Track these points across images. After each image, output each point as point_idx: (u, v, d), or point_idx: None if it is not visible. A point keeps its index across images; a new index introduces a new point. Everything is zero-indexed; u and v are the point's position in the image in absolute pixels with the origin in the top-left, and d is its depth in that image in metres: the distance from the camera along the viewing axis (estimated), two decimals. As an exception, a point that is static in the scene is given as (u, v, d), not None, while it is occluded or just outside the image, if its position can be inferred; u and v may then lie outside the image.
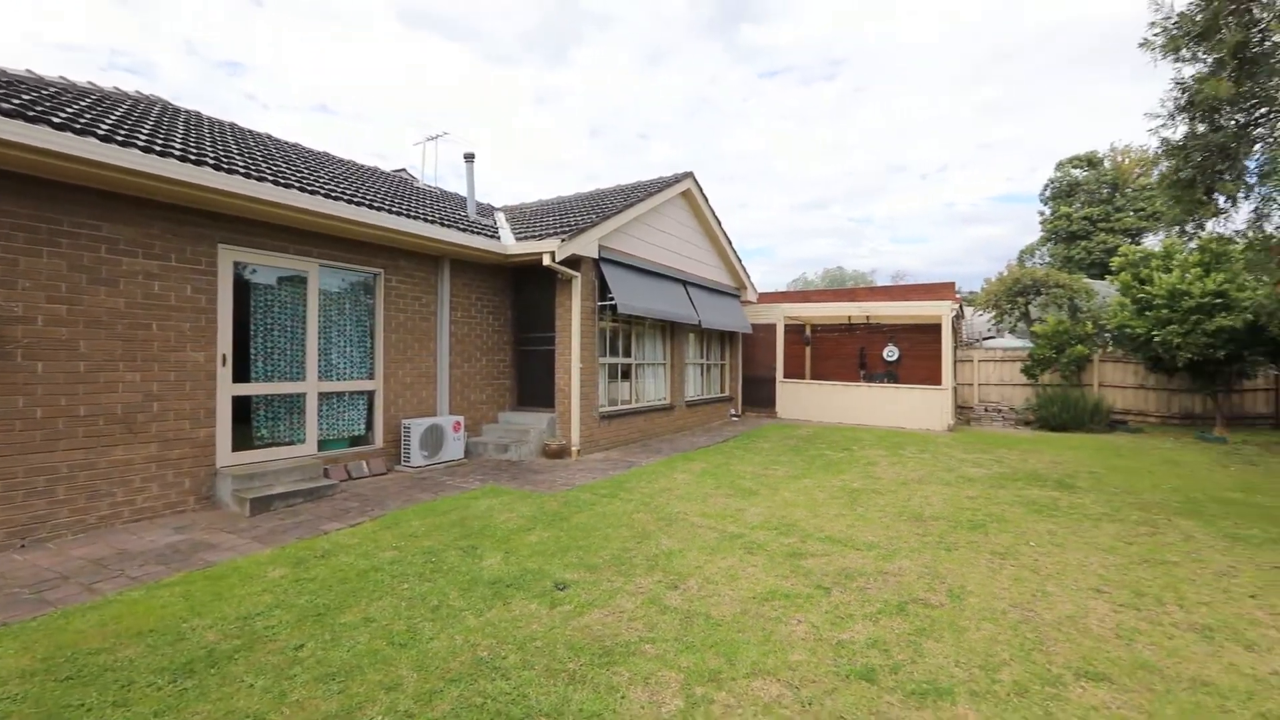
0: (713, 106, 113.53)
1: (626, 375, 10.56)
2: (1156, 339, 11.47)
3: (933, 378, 14.44)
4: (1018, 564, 4.67)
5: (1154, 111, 5.39)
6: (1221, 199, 5.40)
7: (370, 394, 7.65)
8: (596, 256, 9.06)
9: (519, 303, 9.77)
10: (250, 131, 8.96)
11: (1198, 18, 4.91)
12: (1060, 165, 33.47)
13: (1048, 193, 33.80)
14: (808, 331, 16.62)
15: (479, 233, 8.65)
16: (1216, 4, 4.87)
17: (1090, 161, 32.60)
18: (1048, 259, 33.97)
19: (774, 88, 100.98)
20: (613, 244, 9.53)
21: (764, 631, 3.49)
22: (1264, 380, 13.04)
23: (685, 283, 11.84)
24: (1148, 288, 11.82)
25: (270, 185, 5.90)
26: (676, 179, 11.37)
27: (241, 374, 6.29)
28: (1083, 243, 31.24)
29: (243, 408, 6.33)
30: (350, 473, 7.09)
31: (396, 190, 9.38)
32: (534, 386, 9.60)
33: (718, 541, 5.10)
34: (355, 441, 7.48)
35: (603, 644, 3.29)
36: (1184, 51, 5.07)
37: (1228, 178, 5.21)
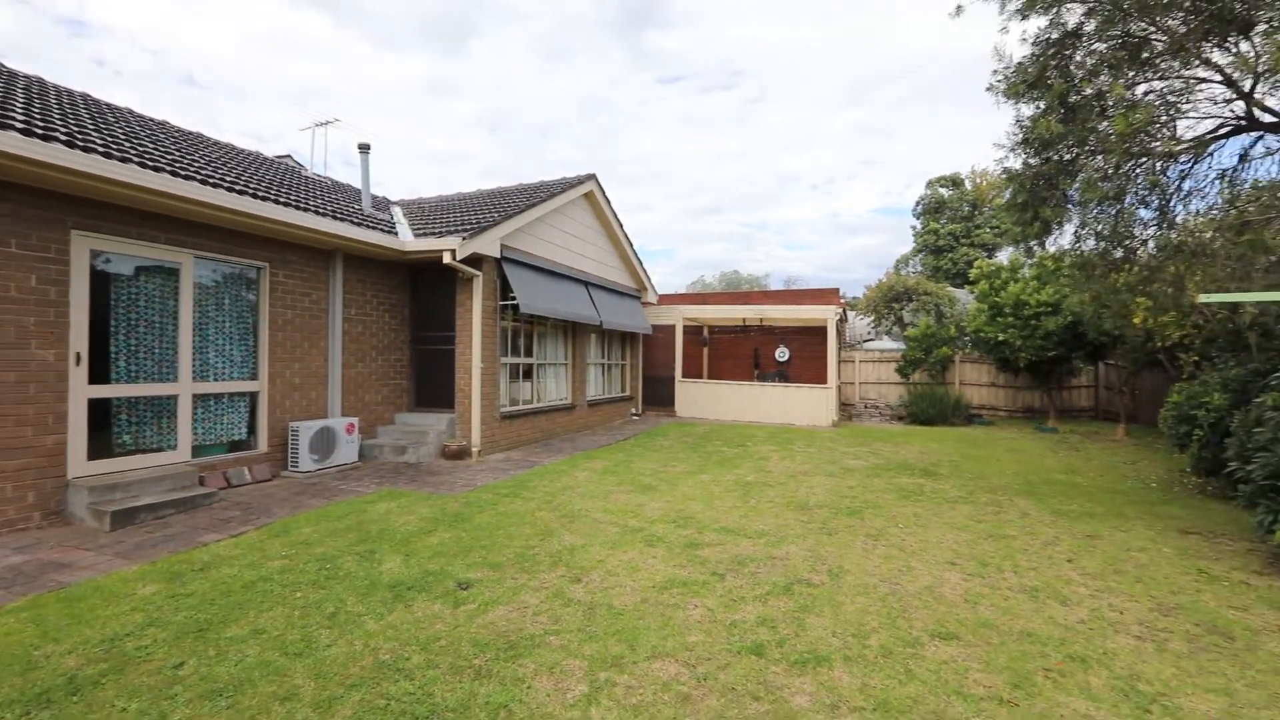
0: (613, 108, 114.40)
1: (528, 375, 10.53)
2: (1004, 341, 13.01)
3: (819, 377, 15.49)
4: (888, 544, 5.20)
5: (1000, 143, 6.19)
6: (1051, 222, 6.28)
7: (253, 395, 7.16)
8: (499, 256, 8.98)
9: (417, 300, 9.49)
10: (109, 105, 8.08)
11: (1030, 69, 5.71)
12: (930, 184, 36.83)
13: (919, 208, 37.06)
14: (705, 333, 17.27)
15: (375, 227, 8.32)
16: (1044, 59, 5.68)
17: (954, 182, 36.10)
18: (920, 268, 37.22)
19: (674, 93, 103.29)
20: (515, 243, 9.48)
21: (663, 617, 3.69)
22: (1086, 379, 15.12)
23: (587, 283, 11.97)
24: (998, 297, 13.37)
25: (136, 168, 5.40)
26: (579, 180, 11.48)
27: (101, 375, 5.71)
28: (949, 255, 34.54)
29: (101, 412, 5.74)
30: (230, 480, 6.61)
31: (283, 179, 8.82)
32: (433, 387, 9.36)
33: (619, 536, 5.27)
34: (236, 446, 6.97)
35: (508, 639, 3.36)
36: (1021, 96, 5.86)
37: (1054, 204, 6.07)
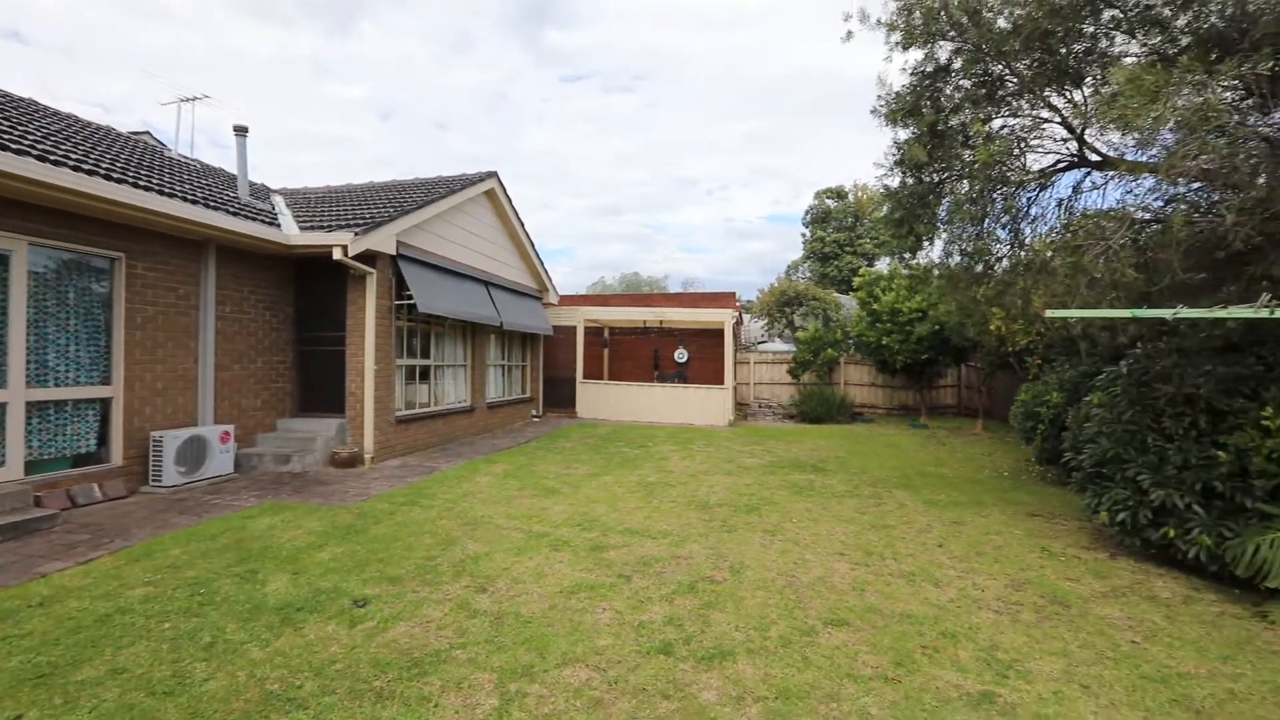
0: (514, 104, 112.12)
1: (425, 377, 10.12)
2: (883, 345, 14.14)
3: (717, 378, 16.05)
4: (784, 539, 5.50)
5: (880, 162, 6.74)
6: (923, 238, 6.92)
7: (105, 402, 6.36)
8: (394, 253, 8.56)
9: (303, 298, 8.84)
10: (-89, 62, 6.87)
11: (907, 97, 6.26)
12: (817, 195, 39.18)
13: (808, 218, 39.33)
14: (606, 334, 17.38)
15: (254, 218, 7.67)
16: (919, 89, 6.24)
17: (839, 194, 38.65)
18: (808, 275, 39.49)
19: (576, 92, 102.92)
20: (412, 240, 9.08)
21: (572, 623, 3.70)
22: (950, 380, 16.74)
23: (487, 283, 11.68)
24: (876, 304, 14.49)
25: (-46, 140, 4.65)
26: (481, 177, 11.18)
27: (-97, 380, 4.86)
28: (834, 262, 36.91)
29: (-95, 423, 4.89)
30: (76, 499, 5.84)
31: (141, 158, 7.90)
32: (320, 390, 8.76)
33: (524, 541, 5.21)
34: (83, 460, 6.17)
35: (411, 656, 3.24)
36: (898, 122, 6.41)
37: (925, 221, 6.70)
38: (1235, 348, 5.16)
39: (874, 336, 14.47)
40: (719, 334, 16.57)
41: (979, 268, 6.21)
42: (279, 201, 10.12)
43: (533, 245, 13.52)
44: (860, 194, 38.86)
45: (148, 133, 11.32)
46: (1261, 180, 4.13)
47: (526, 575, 4.45)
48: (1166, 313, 3.41)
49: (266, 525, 5.38)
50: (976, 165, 5.33)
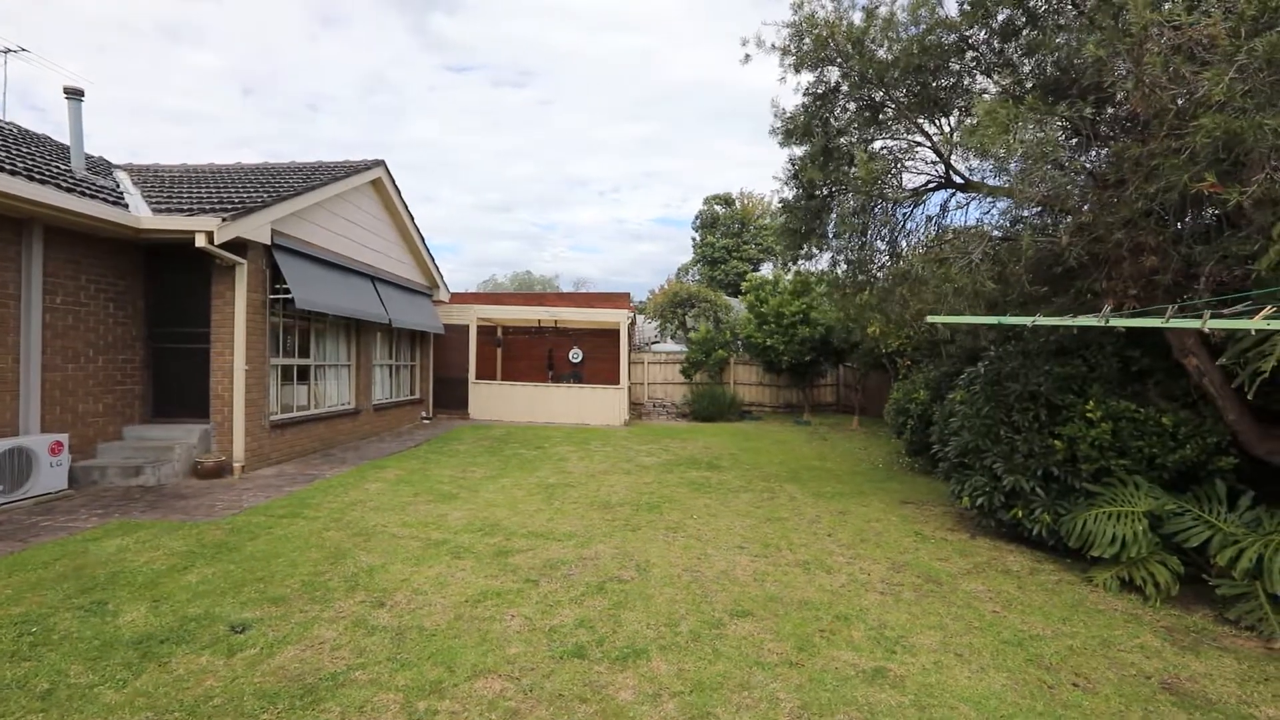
0: (393, 88, 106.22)
1: (304, 378, 9.35)
2: (769, 345, 14.91)
3: (612, 378, 16.15)
4: (686, 535, 5.64)
5: (777, 176, 7.10)
6: (814, 248, 7.37)
7: (-109, 409, 5.30)
8: (269, 243, 7.82)
9: (156, 290, 7.84)
10: None
11: (800, 118, 6.65)
12: (706, 201, 40.53)
13: (697, 222, 40.62)
14: (499, 333, 16.96)
15: (93, 195, 6.70)
16: (811, 110, 6.65)
17: (726, 201, 40.23)
18: (698, 277, 40.77)
19: (463, 82, 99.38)
20: (289, 230, 8.34)
21: (480, 633, 3.57)
22: (831, 379, 17.98)
23: (374, 278, 10.99)
24: (764, 307, 15.25)
25: None
26: (367, 165, 10.49)
27: None
28: (722, 266, 38.35)
29: None
30: None
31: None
32: (178, 392, 7.82)
33: (422, 550, 4.96)
34: None
35: (303, 682, 2.98)
36: (792, 141, 6.80)
37: (817, 234, 7.14)
38: (1066, 351, 5.95)
39: (761, 338, 15.21)
40: (614, 334, 16.69)
41: (861, 276, 6.71)
42: (124, 179, 8.91)
43: (423, 240, 12.89)
44: (746, 202, 40.73)
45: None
46: (1085, 207, 4.80)
47: (428, 586, 4.24)
48: (1026, 320, 3.87)
49: (115, 548, 4.72)
50: (860, 181, 5.76)
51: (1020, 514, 5.43)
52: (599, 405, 14.33)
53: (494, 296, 18.17)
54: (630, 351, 17.03)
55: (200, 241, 6.87)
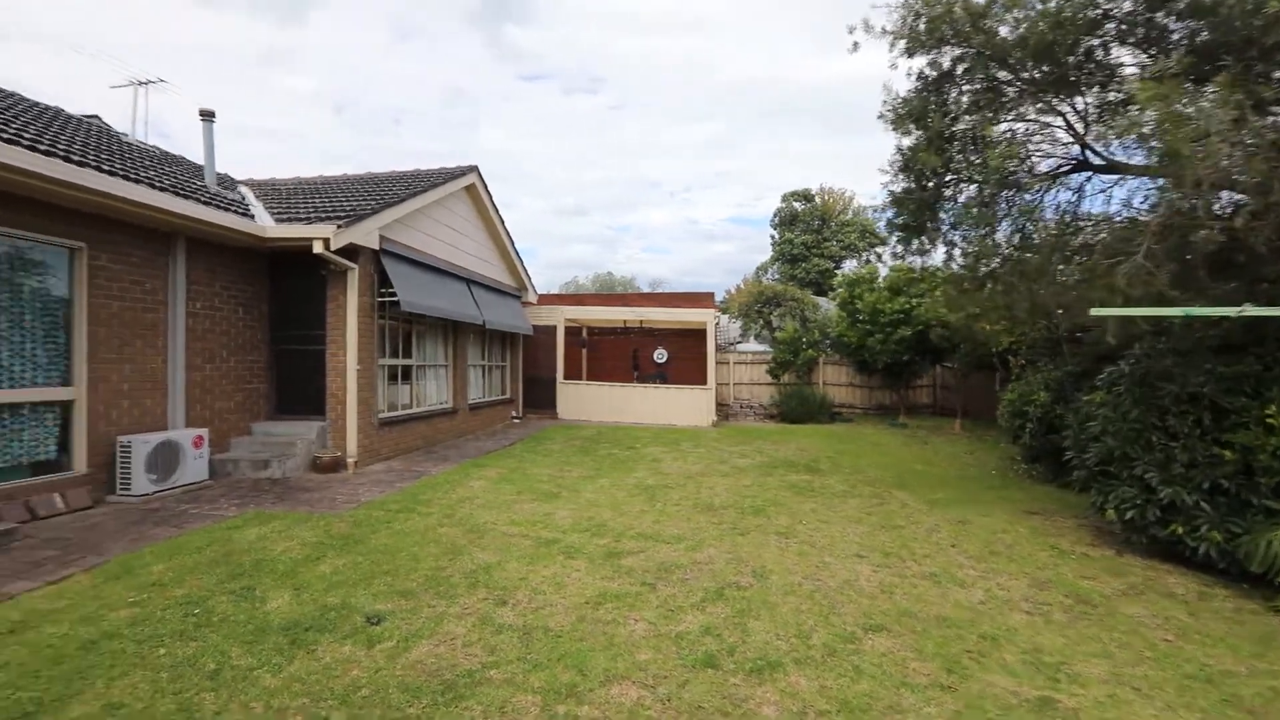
0: (470, 100, 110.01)
1: (406, 377, 9.73)
2: (864, 345, 14.29)
3: (697, 378, 15.98)
4: (799, 541, 5.40)
5: (884, 168, 6.72)
6: (926, 242, 6.93)
7: (66, 405, 5.86)
8: (377, 248, 8.18)
9: (278, 295, 8.37)
10: None
11: (914, 103, 6.25)
12: (784, 197, 39.62)
13: (776, 220, 39.76)
14: (585, 334, 17.13)
15: (227, 208, 7.20)
16: (924, 95, 6.25)
17: (806, 197, 39.16)
18: (777, 276, 39.92)
19: (537, 91, 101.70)
20: (394, 235, 8.70)
21: (606, 636, 3.51)
22: (928, 379, 17.05)
23: (469, 281, 11.33)
24: (857, 305, 14.64)
25: (-100, 114, 4.17)
26: (462, 171, 10.82)
27: None
28: (803, 264, 37.38)
29: None
30: (36, 511, 5.34)
31: (100, 142, 7.34)
32: (298, 391, 8.31)
33: (535, 549, 4.98)
34: (43, 468, 5.66)
35: (442, 678, 3.00)
36: (903, 128, 6.40)
37: (931, 226, 6.71)
38: (1233, 348, 5.28)
39: (855, 337, 14.61)
40: (699, 334, 16.51)
41: (986, 269, 6.23)
42: (247, 192, 9.58)
43: (512, 243, 13.19)
44: (826, 197, 39.52)
45: (97, 116, 10.60)
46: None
47: (545, 585, 4.23)
48: (1231, 311, 3.40)
49: (255, 536, 5.01)
50: (987, 168, 5.33)
51: (1180, 530, 4.86)
52: (686, 406, 14.19)
53: (579, 297, 18.39)
54: (715, 352, 16.79)
55: (318, 248, 7.24)
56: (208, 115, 8.46)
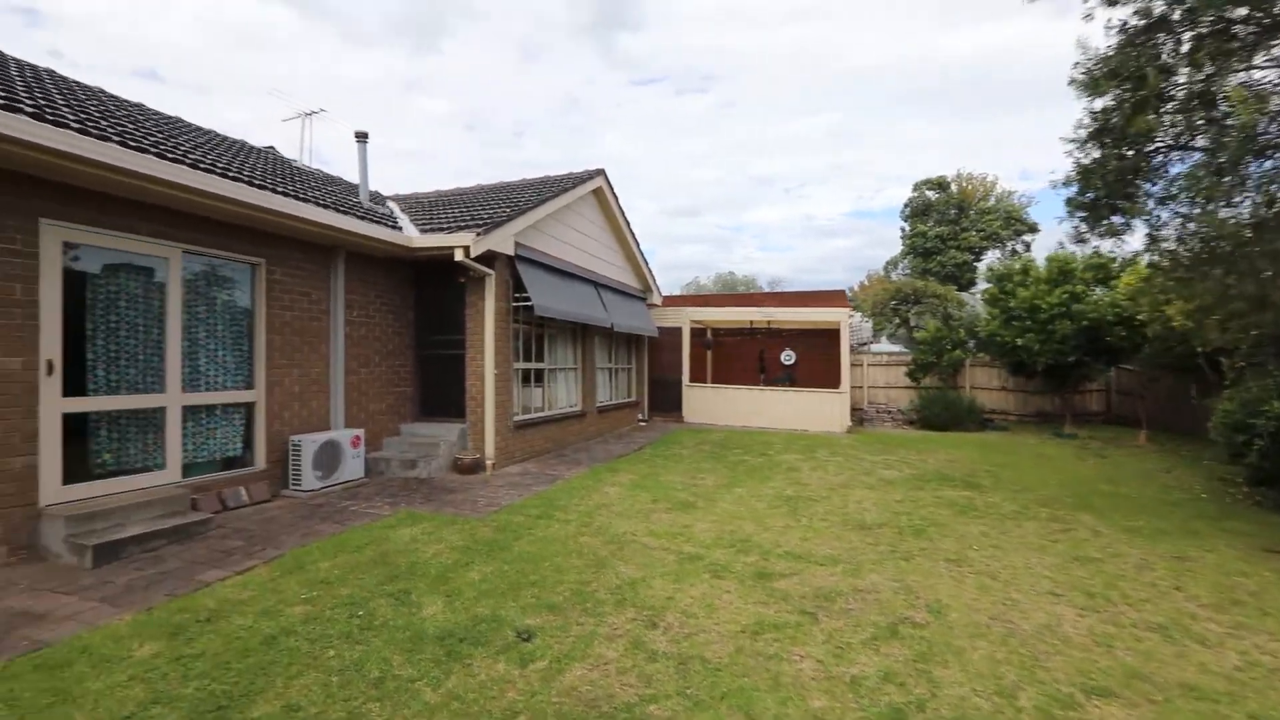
0: (584, 108, 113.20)
1: (538, 380, 9.90)
2: (1020, 345, 12.75)
3: (827, 381, 15.11)
4: (974, 571, 4.71)
5: (1071, 136, 5.78)
6: (1121, 220, 5.89)
7: (249, 406, 6.43)
8: (512, 253, 8.35)
9: (421, 302, 8.80)
10: (78, 83, 7.26)
11: (1114, 59, 5.30)
12: (916, 186, 36.87)
13: (907, 211, 37.12)
14: (709, 335, 16.77)
15: (379, 222, 7.64)
16: (1127, 49, 5.27)
17: (940, 184, 36.21)
18: (908, 271, 37.31)
19: (648, 95, 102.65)
20: (527, 241, 8.86)
21: (770, 673, 3.14)
22: (1099, 383, 14.97)
23: (597, 284, 11.38)
24: (1011, 301, 13.10)
25: (117, 147, 4.69)
26: (589, 175, 10.88)
27: (77, 386, 4.96)
28: (937, 257, 34.59)
29: (78, 428, 5.00)
30: (226, 502, 5.89)
31: (274, 168, 8.07)
32: (439, 394, 8.68)
33: (679, 565, 4.71)
34: (231, 463, 6.24)
35: (599, 710, 2.78)
36: (1099, 88, 5.45)
37: (1128, 201, 5.68)
38: None
39: (1009, 336, 13.09)
40: (829, 334, 15.63)
41: (1225, 247, 5.13)
42: (394, 207, 10.21)
43: (637, 245, 13.14)
44: (964, 184, 36.32)
45: (272, 147, 11.80)
46: None
47: (695, 607, 3.94)
48: None
49: (408, 537, 5.16)
50: (1226, 129, 4.35)
51: None
52: (818, 410, 13.42)
53: (703, 298, 18.06)
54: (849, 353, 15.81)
55: (458, 255, 7.48)
56: (362, 136, 9.08)
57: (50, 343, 4.76)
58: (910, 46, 63.60)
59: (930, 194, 36.31)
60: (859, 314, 19.84)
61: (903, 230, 37.55)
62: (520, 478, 7.74)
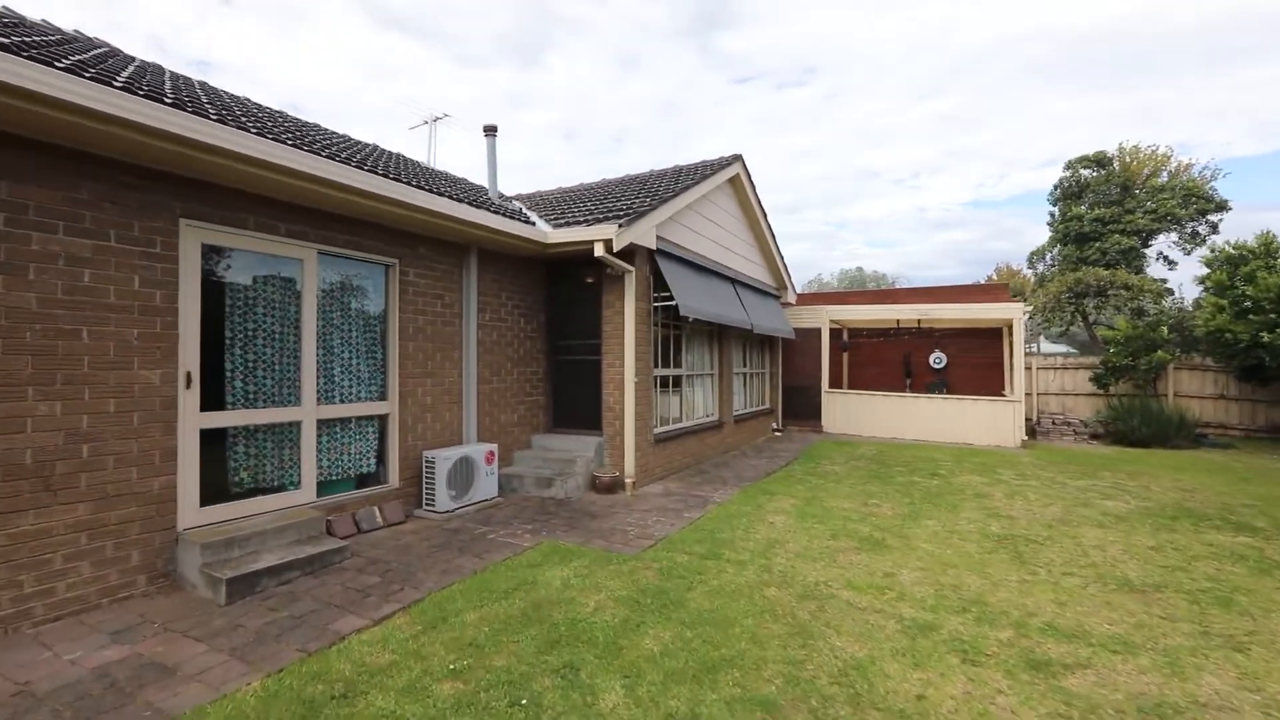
0: (683, 111, 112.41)
1: (675, 387, 8.99)
2: (1267, 342, 10.23)
3: (984, 387, 13.18)
4: (1381, 681, 3.19)
5: None
6: None
7: (383, 419, 5.98)
8: (654, 247, 7.48)
9: (553, 304, 8.16)
10: (226, 92, 7.22)
11: None
12: (1069, 165, 32.62)
13: (1057, 193, 32.98)
14: (845, 336, 15.20)
15: (514, 216, 7.03)
16: None
17: (1099, 161, 31.83)
18: (1055, 261, 33.19)
19: (747, 93, 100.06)
20: (667, 234, 7.96)
21: None
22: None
23: (733, 281, 10.32)
24: (1248, 288, 10.58)
25: (257, 138, 4.24)
26: (726, 162, 9.84)
27: (214, 399, 4.60)
28: (1096, 244, 30.37)
29: (215, 445, 4.64)
30: (360, 524, 5.41)
31: (405, 166, 7.72)
32: (572, 404, 7.99)
33: (908, 638, 3.55)
34: (364, 481, 5.80)
35: None
36: None
37: None
38: None
39: (1242, 332, 10.58)
40: (986, 334, 13.63)
41: None
42: (519, 205, 9.70)
43: (773, 237, 11.93)
44: (1129, 159, 31.66)
45: (401, 154, 11.75)
46: None
47: (963, 717, 2.78)
48: None
49: (560, 582, 4.35)
50: None
51: None
52: (983, 420, 11.58)
53: (840, 295, 16.48)
54: (1011, 354, 13.71)
55: (598, 250, 6.70)
56: (490, 130, 8.60)
57: (189, 353, 4.40)
58: (1033, 19, 57.27)
59: (1086, 172, 32.02)
60: (1031, 310, 17.36)
61: (1051, 216, 33.40)
62: (665, 499, 6.84)
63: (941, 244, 77.86)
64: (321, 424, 5.37)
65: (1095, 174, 31.82)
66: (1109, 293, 14.39)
